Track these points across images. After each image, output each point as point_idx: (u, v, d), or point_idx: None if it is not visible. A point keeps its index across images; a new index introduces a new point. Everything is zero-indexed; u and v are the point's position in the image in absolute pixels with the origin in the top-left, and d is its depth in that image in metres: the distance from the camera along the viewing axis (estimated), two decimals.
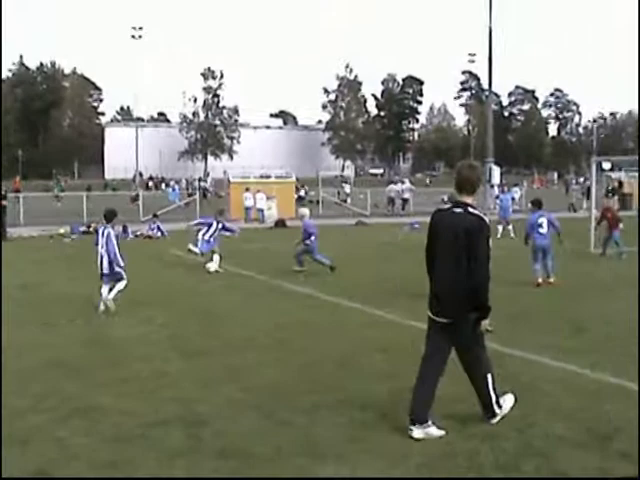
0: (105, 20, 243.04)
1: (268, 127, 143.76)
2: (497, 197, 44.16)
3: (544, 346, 10.67)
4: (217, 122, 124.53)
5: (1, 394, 8.27)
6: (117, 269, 14.07)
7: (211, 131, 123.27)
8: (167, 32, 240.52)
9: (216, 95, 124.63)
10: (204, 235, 19.79)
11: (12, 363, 9.94)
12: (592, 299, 15.28)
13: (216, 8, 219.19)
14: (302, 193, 60.32)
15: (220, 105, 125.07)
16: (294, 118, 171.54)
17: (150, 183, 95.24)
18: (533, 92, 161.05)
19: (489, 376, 7.39)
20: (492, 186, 44.00)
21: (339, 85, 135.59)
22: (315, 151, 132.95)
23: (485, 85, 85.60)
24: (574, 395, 8.45)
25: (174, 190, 62.13)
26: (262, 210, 40.90)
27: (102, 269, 14.08)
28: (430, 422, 7.17)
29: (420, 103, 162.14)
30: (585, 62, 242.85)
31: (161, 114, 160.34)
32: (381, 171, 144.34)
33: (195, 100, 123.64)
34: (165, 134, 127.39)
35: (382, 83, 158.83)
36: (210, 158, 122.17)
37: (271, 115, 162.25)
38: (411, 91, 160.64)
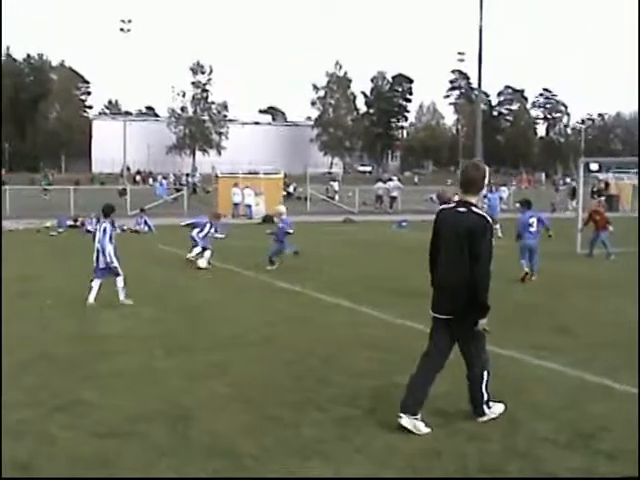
0: (94, 13, 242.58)
1: (257, 123, 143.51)
2: (485, 196, 44.22)
3: (529, 345, 10.71)
4: (206, 117, 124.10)
5: (1, 392, 8.15)
6: (112, 264, 14.06)
7: (199, 126, 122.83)
8: (156, 26, 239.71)
9: (205, 90, 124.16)
10: (198, 234, 19.78)
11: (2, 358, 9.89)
12: (577, 299, 15.36)
13: (206, 2, 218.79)
14: (291, 189, 60.34)
15: (209, 100, 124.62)
16: (283, 114, 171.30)
17: (138, 177, 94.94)
18: (522, 92, 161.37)
19: (485, 374, 7.46)
20: None
21: (328, 82, 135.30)
22: (303, 148, 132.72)
23: (474, 84, 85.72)
24: (558, 394, 8.49)
25: (162, 185, 62.01)
26: (250, 206, 40.90)
27: (98, 263, 14.07)
28: (419, 417, 7.21)
29: (409, 101, 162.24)
30: (574, 63, 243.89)
31: (149, 108, 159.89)
32: (369, 169, 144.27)
33: (184, 95, 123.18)
34: (153, 128, 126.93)
35: (372, 81, 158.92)
36: (198, 153, 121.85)
37: (260, 111, 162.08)
38: (400, 89, 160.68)
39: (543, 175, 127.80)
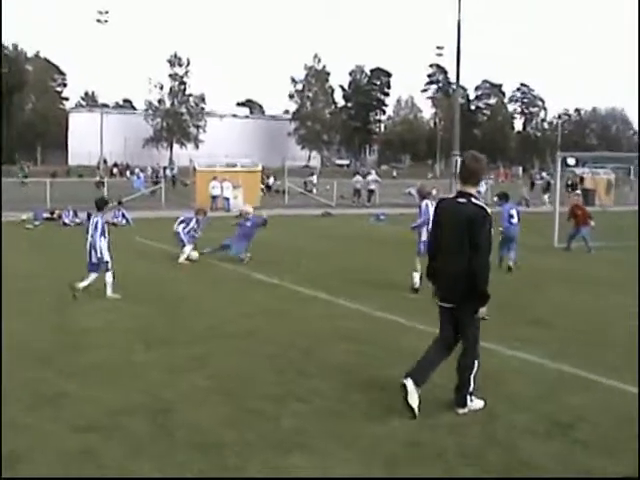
0: (70, 3, 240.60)
1: (235, 116, 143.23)
2: None
3: (506, 337, 10.79)
4: (183, 110, 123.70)
5: (1, 391, 8.03)
6: (104, 260, 14.08)
7: (177, 119, 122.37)
8: (133, 17, 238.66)
9: (183, 82, 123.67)
10: (184, 229, 19.68)
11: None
12: (555, 292, 15.47)
13: None
14: (271, 181, 60.24)
15: (186, 93, 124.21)
16: (261, 107, 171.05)
17: (115, 170, 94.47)
18: (500, 86, 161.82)
19: (476, 364, 7.59)
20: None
21: (307, 75, 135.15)
22: (281, 141, 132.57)
23: (452, 78, 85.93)
24: (536, 385, 8.60)
25: (139, 178, 61.67)
26: (228, 199, 40.78)
27: (90, 258, 14.07)
28: (419, 391, 7.45)
29: (387, 95, 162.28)
30: (551, 58, 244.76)
31: (126, 100, 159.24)
32: (347, 162, 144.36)
33: (161, 87, 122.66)
34: (130, 121, 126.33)
35: (350, 74, 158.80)
36: (175, 146, 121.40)
37: (238, 104, 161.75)
38: (378, 83, 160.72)
39: (520, 169, 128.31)
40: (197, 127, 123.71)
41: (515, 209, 18.55)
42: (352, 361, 9.66)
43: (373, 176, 52.44)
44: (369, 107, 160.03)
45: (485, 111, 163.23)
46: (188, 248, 19.34)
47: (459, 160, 43.36)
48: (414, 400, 7.37)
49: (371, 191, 49.81)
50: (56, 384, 8.44)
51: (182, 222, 19.83)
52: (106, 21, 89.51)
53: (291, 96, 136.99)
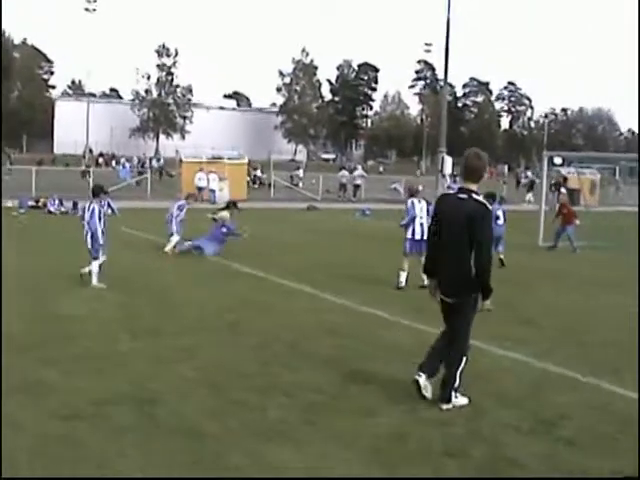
0: None
1: (221, 108, 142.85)
2: (449, 187, 44.47)
3: (493, 336, 10.83)
4: (170, 101, 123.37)
5: (1, 386, 7.89)
6: (97, 245, 14.14)
7: (164, 109, 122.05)
8: (122, 6, 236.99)
9: (170, 73, 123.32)
10: (177, 217, 19.63)
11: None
12: (544, 292, 15.55)
13: None
14: (258, 173, 60.14)
15: (174, 83, 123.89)
16: (248, 100, 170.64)
17: (100, 159, 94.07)
18: (487, 84, 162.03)
19: (463, 359, 7.69)
20: (444, 176, 44.24)
21: (294, 69, 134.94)
22: (268, 134, 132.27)
23: (440, 75, 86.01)
24: (521, 383, 8.66)
25: (125, 168, 61.53)
26: (214, 191, 40.71)
27: (87, 244, 14.10)
28: (432, 381, 7.75)
29: (375, 90, 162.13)
30: (539, 57, 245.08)
31: (113, 90, 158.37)
32: (333, 156, 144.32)
33: (148, 77, 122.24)
34: (117, 110, 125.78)
35: (337, 68, 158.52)
36: (161, 137, 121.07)
37: (225, 96, 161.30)
38: (366, 78, 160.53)
39: (506, 167, 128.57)
40: (184, 118, 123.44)
41: (501, 210, 18.64)
42: (337, 355, 9.71)
43: (359, 171, 52.51)
44: (356, 102, 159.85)
45: (472, 109, 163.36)
46: (175, 238, 19.32)
47: (445, 157, 43.59)
48: (428, 392, 7.68)
49: (357, 186, 49.89)
50: (38, 373, 8.44)
51: (179, 208, 19.81)
52: (94, 10, 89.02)
53: (278, 89, 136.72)
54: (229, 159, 45.85)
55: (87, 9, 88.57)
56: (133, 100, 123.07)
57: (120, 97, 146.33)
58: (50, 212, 30.18)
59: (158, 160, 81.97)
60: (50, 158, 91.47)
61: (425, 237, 14.91)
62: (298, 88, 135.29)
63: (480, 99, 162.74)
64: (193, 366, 8.88)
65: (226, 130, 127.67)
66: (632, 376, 8.98)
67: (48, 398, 7.57)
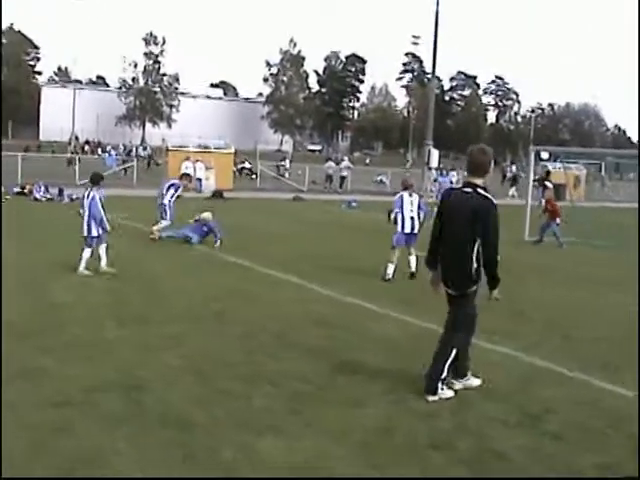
0: None
1: (208, 97, 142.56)
2: (435, 180, 44.59)
3: (481, 330, 10.82)
4: (157, 89, 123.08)
5: (1, 381, 7.74)
6: (99, 232, 14.20)
7: (150, 98, 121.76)
8: None
9: (157, 61, 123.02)
10: (172, 197, 19.56)
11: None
12: (532, 286, 15.58)
13: None
14: (246, 165, 60.14)
15: (161, 72, 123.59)
16: (234, 89, 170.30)
17: (86, 147, 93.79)
18: (474, 78, 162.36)
19: (454, 352, 7.76)
20: (430, 169, 44.39)
21: (282, 59, 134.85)
22: (254, 124, 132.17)
23: (427, 68, 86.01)
24: (508, 377, 8.70)
25: (111, 155, 61.41)
26: (200, 180, 40.64)
27: (90, 232, 14.09)
28: (469, 375, 8.07)
29: (362, 82, 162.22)
30: (526, 52, 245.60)
31: (100, 77, 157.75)
32: (319, 148, 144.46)
33: (135, 65, 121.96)
34: (103, 98, 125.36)
35: (325, 60, 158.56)
36: (148, 125, 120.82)
37: (211, 85, 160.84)
38: (353, 69, 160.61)
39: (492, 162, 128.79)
40: (170, 107, 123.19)
41: None
42: (323, 345, 9.73)
43: (346, 162, 52.55)
44: (343, 93, 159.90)
45: (459, 102, 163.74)
46: (165, 222, 19.30)
47: (432, 150, 43.71)
48: (473, 384, 8.06)
49: (343, 177, 49.91)
50: (26, 360, 8.43)
51: (171, 186, 19.74)
52: None
53: (265, 79, 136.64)
54: (216, 149, 45.79)
55: None
56: (120, 88, 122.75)
57: (107, 85, 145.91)
58: (36, 199, 30.08)
59: (145, 148, 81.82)
60: (36, 145, 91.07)
61: (415, 231, 15.06)
62: (285, 79, 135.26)
63: (467, 93, 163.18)
64: (179, 354, 8.89)
65: (212, 119, 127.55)
66: (623, 373, 9.04)
67: (37, 385, 7.57)
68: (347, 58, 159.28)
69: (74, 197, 30.11)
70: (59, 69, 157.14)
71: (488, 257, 7.58)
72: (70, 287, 12.86)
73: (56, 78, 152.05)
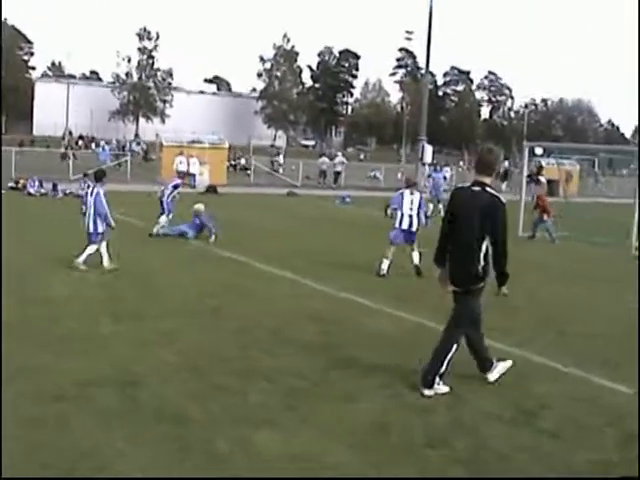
0: None
1: (202, 92, 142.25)
2: (429, 175, 44.58)
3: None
4: (150, 84, 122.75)
5: (1, 381, 7.68)
6: (103, 229, 14.17)
7: (144, 93, 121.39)
8: None
9: (151, 57, 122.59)
10: (168, 198, 19.59)
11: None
12: (527, 281, 15.56)
13: None
14: (242, 161, 60.23)
15: (154, 67, 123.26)
16: (228, 84, 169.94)
17: (80, 142, 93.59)
18: (468, 74, 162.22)
19: (454, 347, 7.82)
20: (424, 164, 44.37)
21: (275, 54, 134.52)
22: (248, 119, 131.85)
23: (421, 63, 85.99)
24: (507, 374, 8.67)
25: (104, 150, 61.31)
26: (194, 175, 40.60)
27: (88, 228, 14.07)
28: (495, 361, 8.30)
29: (355, 77, 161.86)
30: (520, 48, 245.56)
31: (93, 72, 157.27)
32: (313, 143, 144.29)
33: (129, 60, 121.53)
34: (97, 93, 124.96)
35: (318, 55, 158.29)
36: (141, 120, 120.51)
37: (205, 80, 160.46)
38: (347, 65, 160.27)
39: None
40: (164, 102, 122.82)
41: None
42: (318, 341, 9.76)
43: (340, 158, 52.53)
44: (337, 89, 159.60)
45: (452, 98, 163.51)
46: (164, 219, 19.31)
47: (425, 145, 43.68)
48: (504, 368, 8.30)
49: (337, 173, 49.91)
50: (24, 355, 8.43)
51: (176, 187, 19.83)
52: None
53: (259, 75, 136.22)
54: (210, 144, 45.75)
55: None
56: (113, 83, 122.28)
57: (100, 80, 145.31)
58: (30, 194, 30.04)
59: (138, 143, 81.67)
60: (29, 139, 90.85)
61: (413, 229, 15.12)
62: (279, 74, 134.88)
63: (461, 88, 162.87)
64: (175, 350, 8.92)
65: (206, 114, 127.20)
66: (623, 370, 9.07)
67: (33, 380, 7.57)
68: (341, 53, 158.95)
69: (68, 192, 30.16)
70: (53, 64, 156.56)
71: (497, 254, 7.68)
72: (65, 281, 12.87)
73: (50, 73, 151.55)
